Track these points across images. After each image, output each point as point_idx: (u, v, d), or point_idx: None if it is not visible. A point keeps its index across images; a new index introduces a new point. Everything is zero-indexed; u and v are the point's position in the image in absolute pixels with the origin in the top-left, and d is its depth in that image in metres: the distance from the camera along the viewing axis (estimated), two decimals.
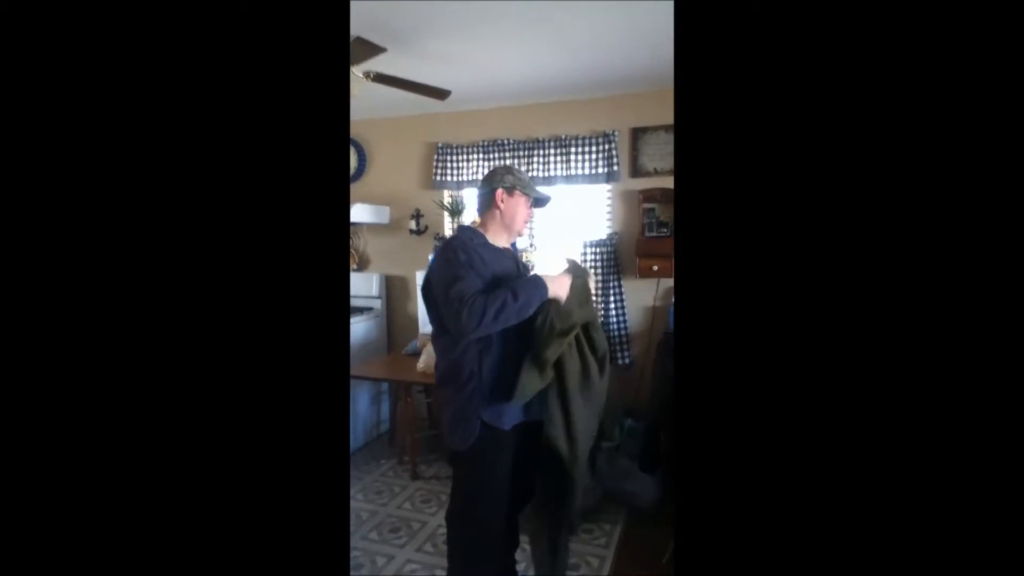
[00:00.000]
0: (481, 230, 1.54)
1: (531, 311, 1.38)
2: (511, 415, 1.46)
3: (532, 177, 3.02)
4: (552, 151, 3.01)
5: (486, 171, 3.17)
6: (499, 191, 1.51)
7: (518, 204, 1.53)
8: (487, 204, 1.54)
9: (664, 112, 2.83)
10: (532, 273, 1.48)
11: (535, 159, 3.04)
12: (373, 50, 1.95)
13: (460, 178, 3.23)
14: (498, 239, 1.54)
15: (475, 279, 1.38)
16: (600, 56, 2.36)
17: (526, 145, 3.06)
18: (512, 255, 1.59)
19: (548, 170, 3.02)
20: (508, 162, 3.12)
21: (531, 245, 3.05)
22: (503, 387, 1.42)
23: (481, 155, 3.18)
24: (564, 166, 2.99)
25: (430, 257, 3.17)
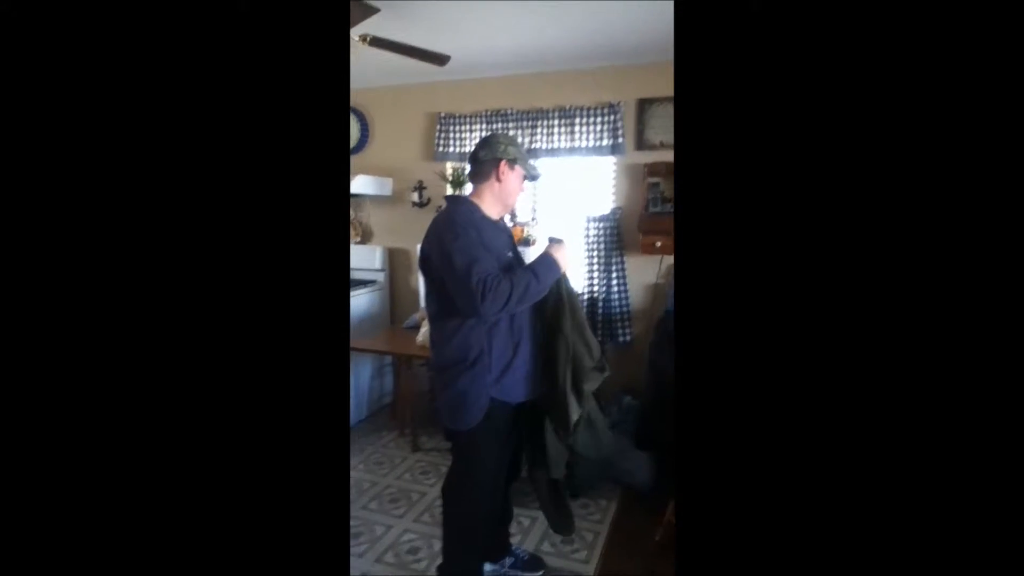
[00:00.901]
0: (475, 201, 1.47)
1: (546, 291, 1.42)
2: (518, 391, 1.47)
3: (535, 149, 2.96)
4: (556, 122, 2.94)
5: None
6: (503, 163, 1.44)
7: (517, 178, 1.48)
8: (486, 174, 1.46)
9: (671, 83, 2.72)
10: (542, 252, 1.45)
11: (539, 130, 2.97)
12: (366, 11, 1.88)
13: (462, 149, 3.17)
14: (491, 211, 1.48)
15: (490, 259, 1.34)
16: (605, 25, 2.27)
17: (529, 115, 2.99)
18: (505, 228, 1.55)
19: (552, 141, 2.95)
20: (512, 133, 3.05)
21: (533, 219, 3.01)
22: (510, 362, 1.44)
23: (484, 125, 3.10)
24: (568, 137, 2.92)
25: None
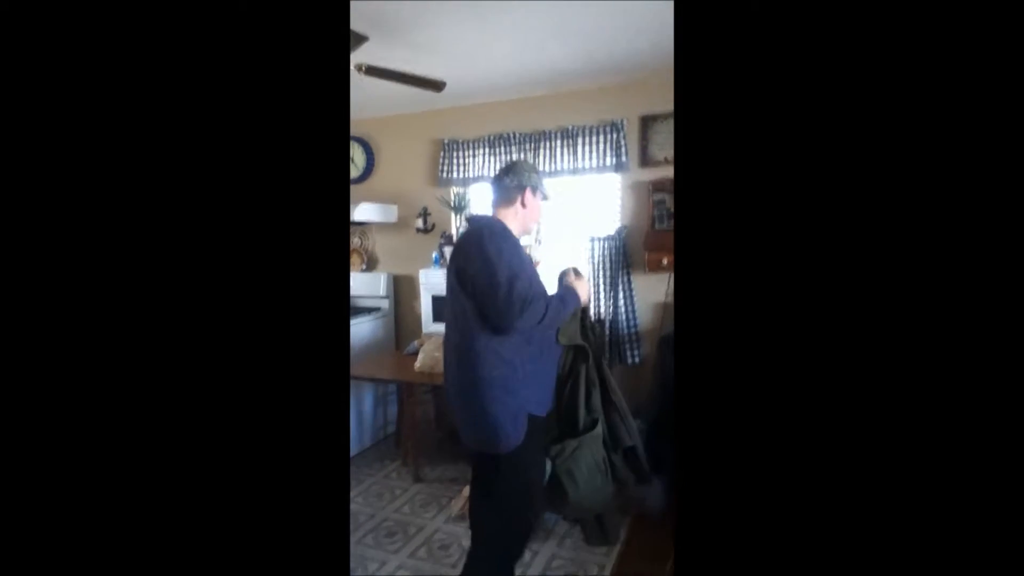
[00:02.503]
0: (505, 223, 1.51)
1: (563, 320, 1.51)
2: (548, 402, 1.51)
3: (539, 171, 2.93)
4: (559, 143, 2.91)
5: (492, 166, 3.12)
6: (528, 189, 1.51)
7: (537, 204, 1.55)
8: (511, 199, 1.51)
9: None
10: (564, 285, 1.55)
11: (542, 152, 2.95)
12: (356, 39, 1.90)
13: (466, 175, 3.17)
14: (516, 235, 1.53)
15: (527, 275, 1.37)
16: (605, 41, 2.25)
17: (532, 138, 2.97)
18: (527, 252, 1.59)
19: (555, 163, 2.92)
20: (515, 156, 3.03)
21: (537, 240, 2.95)
22: (540, 376, 1.47)
23: (487, 150, 3.10)
24: (571, 158, 2.88)
25: (434, 256, 3.13)
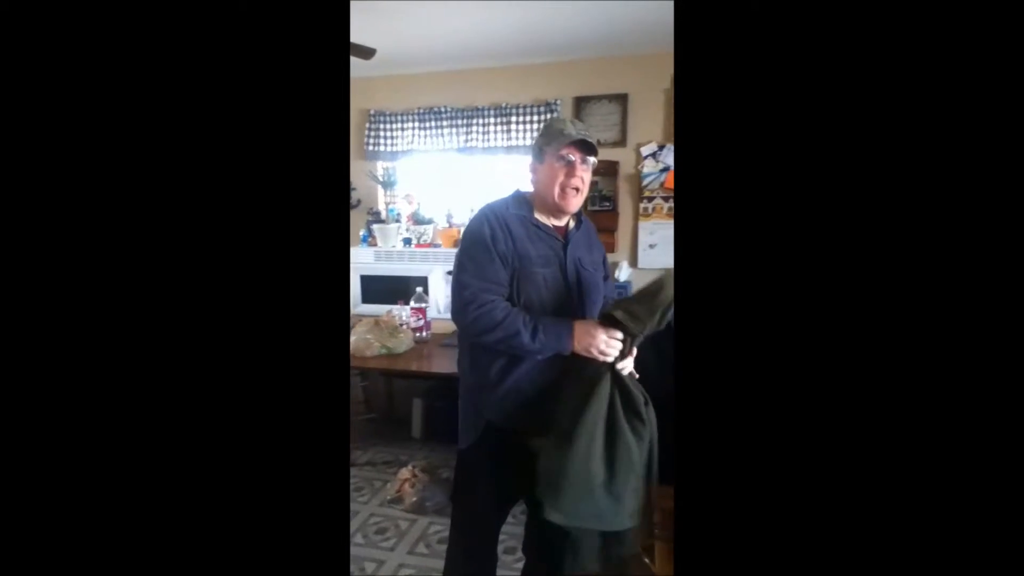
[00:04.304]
0: (532, 199, 1.33)
1: (539, 357, 1.19)
2: (519, 416, 1.24)
3: (472, 147, 2.87)
4: (492, 120, 2.86)
5: (422, 140, 3.01)
6: (531, 162, 1.34)
7: (545, 169, 1.27)
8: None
9: (609, 81, 2.73)
10: (566, 321, 1.19)
11: (474, 128, 2.89)
12: None
13: (395, 148, 3.04)
14: (542, 211, 1.30)
15: (496, 269, 1.20)
16: (542, 20, 2.22)
17: (465, 113, 2.90)
18: (549, 235, 1.27)
19: (488, 140, 2.87)
20: (446, 132, 2.94)
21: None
22: (511, 382, 1.23)
23: (417, 123, 2.99)
24: (505, 136, 2.85)
25: (362, 233, 3.00)
